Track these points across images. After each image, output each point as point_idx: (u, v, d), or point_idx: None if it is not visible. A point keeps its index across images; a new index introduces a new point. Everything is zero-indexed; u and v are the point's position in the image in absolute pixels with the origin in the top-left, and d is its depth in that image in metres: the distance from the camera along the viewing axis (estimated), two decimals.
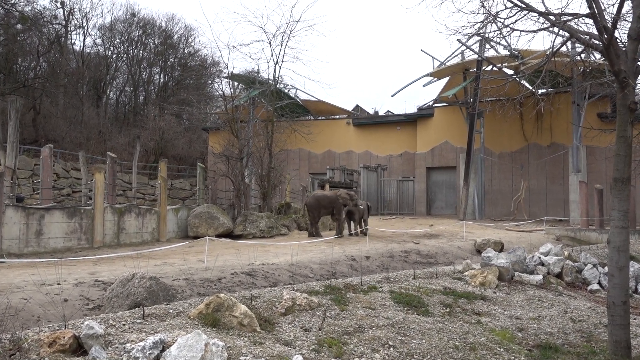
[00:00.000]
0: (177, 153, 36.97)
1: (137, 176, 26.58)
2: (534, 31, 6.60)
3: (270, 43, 33.45)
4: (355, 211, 16.48)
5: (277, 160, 23.22)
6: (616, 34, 6.42)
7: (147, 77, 42.10)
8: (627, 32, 6.44)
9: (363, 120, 34.39)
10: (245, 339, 5.14)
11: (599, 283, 10.80)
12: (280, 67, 23.59)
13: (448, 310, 7.26)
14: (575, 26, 6.80)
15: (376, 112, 37.21)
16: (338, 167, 30.82)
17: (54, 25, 36.31)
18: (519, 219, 25.69)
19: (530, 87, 15.79)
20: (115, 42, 40.69)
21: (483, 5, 7.00)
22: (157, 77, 42.94)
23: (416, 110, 32.32)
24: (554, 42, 7.04)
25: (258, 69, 36.07)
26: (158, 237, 16.26)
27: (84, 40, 46.44)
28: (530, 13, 6.69)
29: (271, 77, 25.22)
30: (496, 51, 24.74)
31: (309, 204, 16.35)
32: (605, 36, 6.19)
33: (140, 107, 40.87)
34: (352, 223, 17.02)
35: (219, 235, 16.66)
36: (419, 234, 18.24)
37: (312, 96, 33.07)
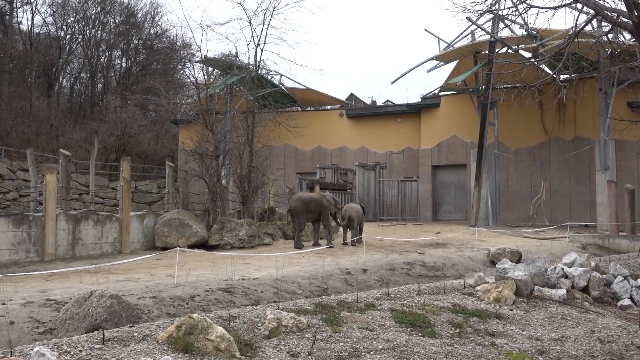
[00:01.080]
0: (142, 150, 36.85)
1: (96, 177, 26.43)
2: (555, 8, 6.65)
3: (250, 22, 33.42)
4: (355, 217, 16.59)
5: (259, 158, 23.20)
6: None
7: (107, 61, 41.89)
8: None
9: (358, 112, 34.48)
10: None
11: (631, 298, 10.87)
12: (262, 50, 23.61)
13: (458, 330, 7.29)
14: (602, 2, 6.85)
15: (373, 102, 37.34)
16: (330, 166, 30.86)
17: None
18: (539, 225, 25.88)
19: (551, 73, 15.92)
20: (69, 21, 40.41)
21: None
22: (119, 61, 42.77)
23: (420, 100, 32.46)
24: (577, 21, 7.09)
25: (236, 52, 36.15)
26: (120, 248, 16.18)
27: (32, 18, 46.19)
28: None
29: (251, 62, 25.22)
30: (511, 31, 24.90)
31: (294, 207, 16.41)
32: (636, 13, 6.24)
33: (99, 96, 40.66)
34: (348, 231, 17.09)
35: (191, 246, 16.64)
36: (424, 242, 18.26)
37: (300, 84, 33.14)
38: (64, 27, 40.16)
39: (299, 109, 36.87)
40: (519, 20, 21.45)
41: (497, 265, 10.35)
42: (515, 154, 29.76)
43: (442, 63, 29.24)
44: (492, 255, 15.20)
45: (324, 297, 8.52)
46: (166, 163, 21.50)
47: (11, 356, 4.74)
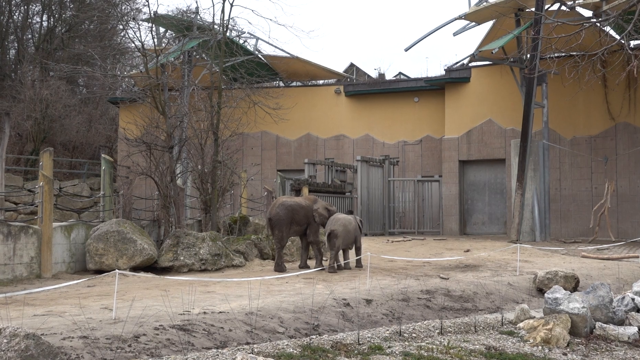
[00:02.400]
0: (69, 139, 36.73)
1: (6, 175, 26.32)
2: None
3: None
4: (341, 233, 16.14)
5: (227, 150, 23.17)
6: None
7: (22, 20, 41.68)
8: None
9: (361, 88, 34.55)
10: None
11: None
12: (231, 4, 23.49)
13: None
14: None
15: (381, 76, 37.43)
16: (322, 161, 30.86)
17: None
18: (602, 240, 25.98)
19: (618, 37, 15.95)
20: None
21: None
22: (38, 19, 42.56)
23: (443, 73, 32.54)
24: None
25: (197, 8, 36.00)
26: (39, 270, 16.09)
27: None
28: None
29: (218, 21, 25.17)
30: None
31: (276, 216, 16.38)
32: None
33: (10, 66, 40.45)
34: (346, 251, 16.97)
35: (135, 268, 16.55)
36: (449, 264, 18.25)
37: (283, 50, 33.11)
38: None
39: (282, 84, 36.85)
40: None
41: (546, 295, 10.35)
42: (571, 145, 29.89)
43: (474, 23, 29.29)
44: (540, 281, 15.22)
45: (314, 337, 8.49)
46: (102, 156, 21.37)
47: None
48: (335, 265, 16.08)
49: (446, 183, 31.48)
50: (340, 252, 16.95)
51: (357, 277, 15.02)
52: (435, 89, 32.63)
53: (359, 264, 16.85)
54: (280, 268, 16.33)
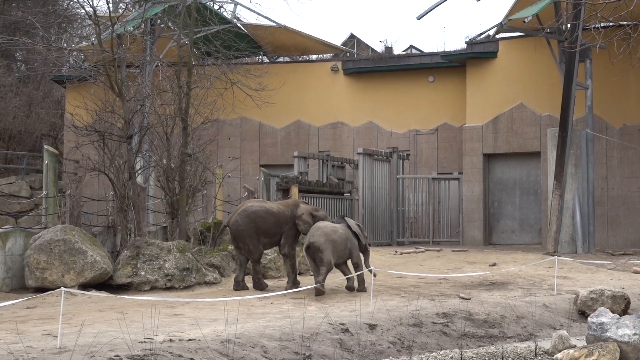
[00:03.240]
0: (4, 126, 36.59)
1: None
2: None
3: None
4: (325, 246, 15.57)
5: (198, 140, 23.11)
6: None
7: None
8: None
9: (364, 66, 34.53)
10: None
11: None
12: None
13: None
14: None
15: (388, 50, 37.32)
16: (316, 154, 30.82)
17: None
18: None
19: None
20: None
21: None
22: None
23: (465, 47, 32.51)
24: None
25: None
26: None
27: None
28: None
29: None
30: None
31: (234, 226, 16.30)
32: None
33: None
34: (344, 266, 16.61)
35: (86, 285, 16.50)
36: (470, 281, 18.24)
37: (267, 18, 33.08)
38: None
39: (266, 60, 36.77)
40: None
41: (589, 319, 10.33)
42: (621, 135, 29.91)
43: None
44: (582, 303, 15.21)
45: None
46: (44, 148, 21.30)
47: None
48: (322, 286, 15.44)
49: (468, 181, 31.49)
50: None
51: (357, 298, 15.00)
52: (454, 66, 32.62)
53: (360, 287, 16.20)
54: (258, 285, 16.31)
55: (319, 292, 15.32)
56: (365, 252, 16.68)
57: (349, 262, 16.51)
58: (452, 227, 31.68)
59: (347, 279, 16.25)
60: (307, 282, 17.12)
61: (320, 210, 17.56)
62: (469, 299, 15.18)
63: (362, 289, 16.12)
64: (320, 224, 16.16)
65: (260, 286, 16.34)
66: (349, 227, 16.38)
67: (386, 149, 31.55)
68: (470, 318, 13.63)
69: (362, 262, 16.43)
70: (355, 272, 16.24)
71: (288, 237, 16.66)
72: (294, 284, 16.34)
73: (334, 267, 16.06)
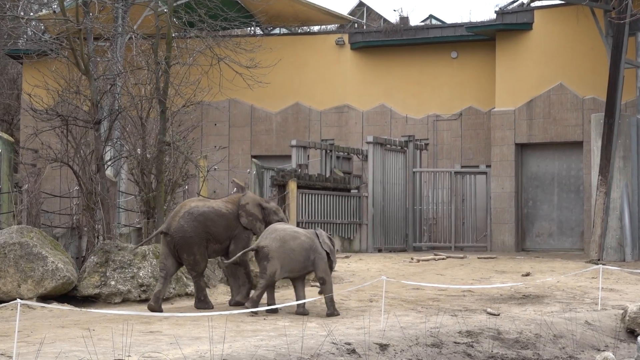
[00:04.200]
0: None
1: None
2: None
3: None
4: (278, 254, 15.05)
5: (179, 127, 23.06)
6: None
7: None
8: None
9: (375, 39, 34.49)
10: None
11: None
12: None
13: None
14: None
15: (403, 20, 37.23)
16: (318, 143, 30.75)
17: None
18: None
19: None
20: None
21: None
22: None
23: (494, 17, 32.42)
24: None
25: None
26: None
27: None
28: None
29: None
30: None
31: (178, 232, 15.54)
32: None
33: None
34: (298, 285, 16.01)
35: (46, 297, 16.50)
36: (500, 293, 18.21)
37: None
38: None
39: (259, 31, 36.67)
40: None
41: (639, 339, 10.26)
42: None
43: None
44: (631, 320, 15.16)
45: None
46: None
47: None
48: (252, 301, 14.91)
49: (497, 176, 31.42)
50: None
51: (366, 312, 14.96)
52: (481, 39, 32.59)
53: (330, 310, 15.14)
54: (204, 304, 15.66)
55: (255, 312, 14.67)
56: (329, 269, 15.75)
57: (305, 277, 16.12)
58: (478, 230, 31.64)
59: (296, 304, 15.39)
60: (305, 294, 17.07)
61: (272, 202, 17.34)
62: (498, 315, 15.14)
63: (331, 312, 15.07)
64: (279, 226, 15.68)
65: (206, 305, 15.71)
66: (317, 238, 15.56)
67: (401, 138, 31.53)
68: (499, 337, 13.60)
69: (330, 277, 15.51)
70: (322, 289, 15.45)
71: (239, 241, 16.05)
72: (246, 297, 15.69)
73: (277, 281, 15.43)
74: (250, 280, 16.18)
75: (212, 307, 15.75)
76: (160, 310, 15.07)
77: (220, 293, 18.14)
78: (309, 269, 15.45)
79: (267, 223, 16.14)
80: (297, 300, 15.39)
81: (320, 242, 15.43)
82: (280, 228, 15.48)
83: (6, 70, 39.47)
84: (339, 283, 20.63)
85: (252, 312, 14.58)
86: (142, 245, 18.24)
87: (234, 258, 15.52)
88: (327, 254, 15.44)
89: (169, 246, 15.72)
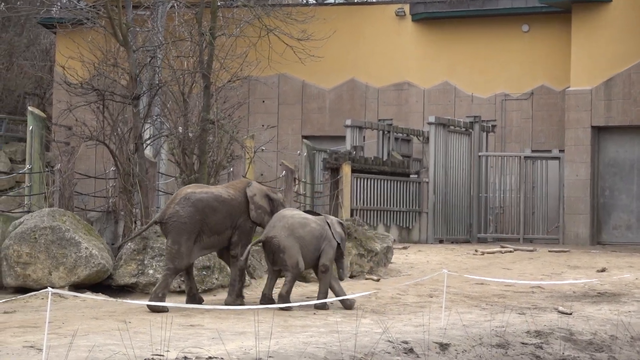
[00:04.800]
0: None
1: None
2: None
3: None
4: (287, 242, 14.90)
5: (224, 104, 23.15)
6: None
7: None
8: None
9: (438, 10, 34.31)
10: None
11: None
12: None
13: None
14: None
15: None
16: (375, 124, 30.74)
17: None
18: None
19: None
20: None
21: None
22: None
23: None
24: None
25: None
26: None
27: None
28: None
29: None
30: None
31: (172, 218, 14.98)
32: None
33: None
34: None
35: (79, 286, 16.60)
36: (572, 290, 18.15)
37: None
38: None
39: (312, 0, 36.69)
40: None
41: None
42: None
43: None
44: None
45: None
46: (28, 110, 21.48)
47: None
48: (288, 297, 14.93)
49: (571, 162, 31.26)
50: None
51: (425, 308, 14.99)
52: (556, 11, 32.38)
53: (321, 303, 15.11)
54: (193, 298, 15.21)
55: (282, 301, 14.67)
56: (340, 258, 15.86)
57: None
58: (549, 220, 31.53)
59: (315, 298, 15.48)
60: (359, 287, 17.12)
61: (279, 193, 17.18)
62: (570, 314, 15.10)
63: (322, 305, 15.12)
64: (286, 212, 15.64)
65: (193, 298, 15.19)
66: (343, 226, 15.81)
67: (465, 118, 31.45)
68: (571, 338, 13.57)
69: (332, 269, 15.47)
70: (319, 277, 15.58)
71: (242, 233, 15.61)
72: (239, 295, 15.43)
73: (302, 271, 15.47)
74: (242, 278, 15.72)
75: (167, 310, 14.32)
76: (165, 310, 14.21)
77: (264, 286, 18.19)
78: (316, 259, 15.41)
79: (273, 214, 15.73)
80: (318, 294, 15.34)
81: (331, 231, 15.44)
82: (288, 215, 15.42)
83: (38, 41, 39.80)
84: (396, 276, 20.72)
85: (283, 307, 14.43)
86: (134, 238, 17.68)
87: (247, 253, 15.24)
88: (338, 243, 15.45)
89: (169, 233, 15.07)
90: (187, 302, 15.12)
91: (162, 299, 14.50)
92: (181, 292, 17.10)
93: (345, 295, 15.12)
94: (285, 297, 14.83)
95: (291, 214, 15.52)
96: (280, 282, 15.35)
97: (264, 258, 15.89)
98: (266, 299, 14.92)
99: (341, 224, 15.95)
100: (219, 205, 15.26)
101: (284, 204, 16.57)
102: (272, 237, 14.97)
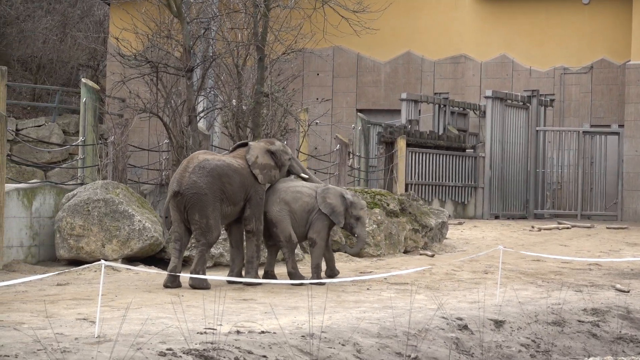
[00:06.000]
0: (31, 53, 37.14)
1: None
2: None
3: None
4: (317, 216, 15.13)
5: (278, 76, 23.15)
6: None
7: None
8: None
9: None
10: None
11: None
12: None
13: None
14: None
15: None
16: (430, 97, 30.64)
17: None
18: None
19: None
20: None
21: None
22: None
23: None
24: None
25: None
26: None
27: None
28: None
29: None
30: None
31: (191, 188, 14.55)
32: None
33: None
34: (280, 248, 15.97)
35: (132, 259, 16.76)
36: (631, 268, 18.08)
37: None
38: None
39: None
40: None
41: None
42: None
43: None
44: None
45: None
46: (82, 82, 21.59)
47: None
48: (295, 272, 15.04)
49: (631, 137, 31.02)
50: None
51: (480, 285, 14.97)
52: None
53: (292, 270, 15.15)
54: (201, 283, 14.33)
55: (294, 278, 14.80)
56: (350, 230, 16.01)
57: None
58: (607, 196, 31.33)
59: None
60: (413, 262, 17.12)
61: (277, 141, 16.31)
62: (628, 292, 15.03)
63: (295, 273, 15.21)
64: (281, 185, 15.50)
65: (202, 283, 14.36)
66: (343, 198, 15.53)
67: (523, 92, 31.28)
68: (628, 316, 13.50)
69: (323, 242, 15.40)
70: (310, 251, 15.72)
71: (256, 205, 15.14)
72: (255, 273, 15.07)
73: (295, 243, 15.41)
74: (259, 255, 15.44)
75: (210, 287, 14.31)
76: (208, 287, 14.24)
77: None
78: (304, 233, 15.45)
79: (281, 166, 15.52)
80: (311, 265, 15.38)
81: (317, 202, 15.32)
82: (282, 189, 15.40)
83: (92, 12, 39.98)
84: (451, 252, 20.69)
85: (300, 283, 14.46)
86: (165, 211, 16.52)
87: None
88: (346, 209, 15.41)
89: (180, 208, 14.69)
90: (191, 284, 14.37)
91: (204, 276, 14.37)
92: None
93: (302, 278, 14.93)
94: (294, 273, 14.96)
95: (285, 187, 15.44)
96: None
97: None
98: (269, 275, 14.98)
99: (342, 195, 15.59)
100: (233, 174, 14.95)
101: (286, 149, 16.02)
102: (264, 212, 15.07)
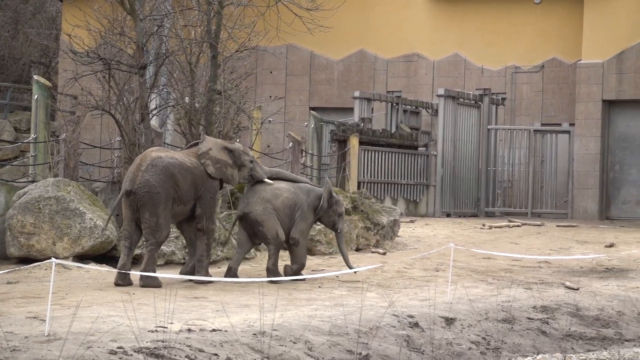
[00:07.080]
0: None
1: None
2: None
3: None
4: (302, 213, 15.35)
5: (231, 74, 23.12)
6: None
7: None
8: None
9: None
10: None
11: None
12: None
13: None
14: None
15: None
16: (383, 95, 30.69)
17: None
18: None
19: None
20: None
21: None
22: None
23: None
24: None
25: None
26: None
27: None
28: None
29: None
30: None
31: (143, 187, 14.49)
32: None
33: None
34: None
35: (84, 257, 16.68)
36: (580, 266, 18.19)
37: None
38: None
39: None
40: None
41: None
42: None
43: None
44: None
45: None
46: (33, 79, 21.49)
47: None
48: (275, 269, 15.20)
49: (581, 136, 31.21)
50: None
51: (431, 282, 15.03)
52: None
53: (270, 268, 15.41)
54: (152, 281, 14.30)
55: (272, 275, 14.92)
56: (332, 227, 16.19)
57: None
58: (558, 195, 31.52)
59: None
60: (365, 260, 17.15)
61: (237, 143, 16.56)
62: (577, 289, 15.13)
63: (274, 271, 15.39)
64: (258, 187, 15.57)
65: (153, 282, 14.28)
66: (330, 194, 15.66)
67: (475, 91, 31.38)
68: (577, 314, 13.61)
69: (306, 242, 15.93)
70: (292, 250, 15.71)
71: (207, 203, 15.16)
72: (206, 271, 15.05)
73: (282, 241, 15.42)
74: (209, 252, 15.49)
75: (161, 285, 14.25)
76: (159, 285, 14.20)
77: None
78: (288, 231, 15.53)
79: (240, 166, 15.46)
80: (291, 263, 15.53)
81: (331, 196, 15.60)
82: (260, 189, 15.49)
83: (44, 9, 39.76)
84: (402, 250, 20.75)
85: (272, 281, 14.57)
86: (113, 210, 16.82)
87: (232, 228, 15.76)
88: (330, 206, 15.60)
89: (132, 207, 14.61)
90: (142, 283, 14.32)
91: (154, 275, 14.19)
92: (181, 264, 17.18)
93: (280, 276, 15.09)
94: (273, 270, 15.06)
95: (263, 187, 15.49)
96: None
97: (236, 233, 15.87)
98: (231, 272, 14.96)
99: (330, 195, 15.71)
100: (185, 172, 14.86)
101: (247, 151, 16.01)
102: (247, 213, 15.14)
